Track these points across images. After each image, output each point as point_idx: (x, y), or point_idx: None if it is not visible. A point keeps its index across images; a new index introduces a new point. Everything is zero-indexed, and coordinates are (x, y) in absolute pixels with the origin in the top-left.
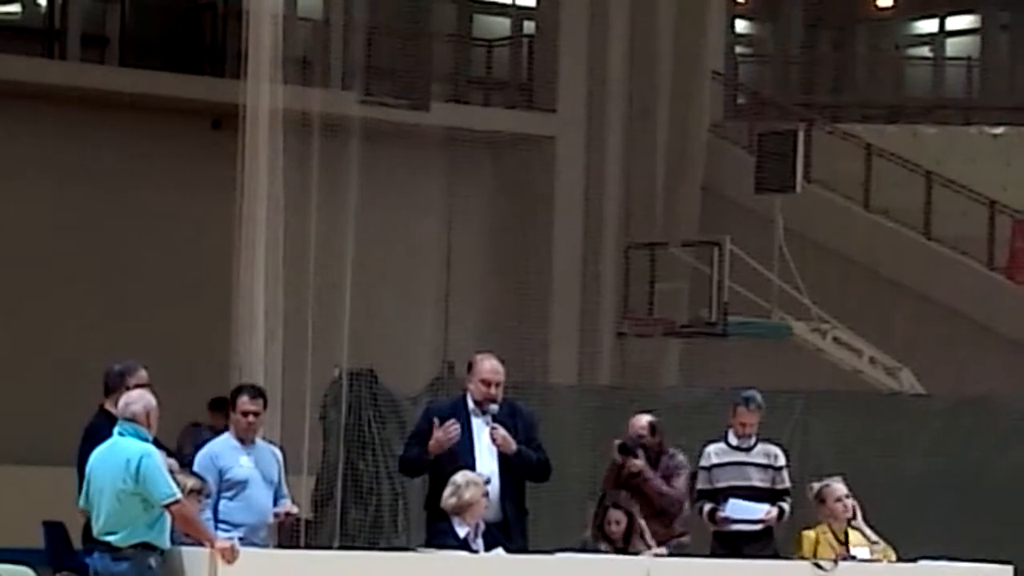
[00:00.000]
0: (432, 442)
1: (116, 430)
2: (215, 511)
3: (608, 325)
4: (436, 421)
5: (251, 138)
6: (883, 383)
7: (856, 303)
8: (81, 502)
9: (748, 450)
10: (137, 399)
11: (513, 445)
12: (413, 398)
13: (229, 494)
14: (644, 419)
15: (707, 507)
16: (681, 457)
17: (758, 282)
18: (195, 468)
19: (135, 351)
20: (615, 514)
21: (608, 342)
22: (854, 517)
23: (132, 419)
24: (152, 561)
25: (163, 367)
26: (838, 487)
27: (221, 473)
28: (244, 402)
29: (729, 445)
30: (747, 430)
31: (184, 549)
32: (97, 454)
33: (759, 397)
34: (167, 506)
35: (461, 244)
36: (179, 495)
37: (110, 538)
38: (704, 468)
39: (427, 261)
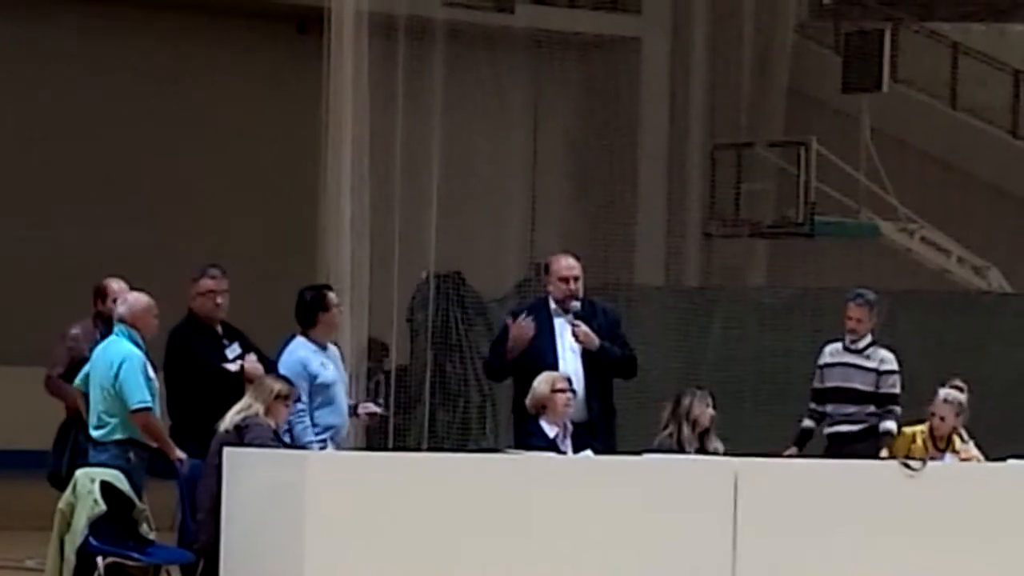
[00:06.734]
0: (509, 340)
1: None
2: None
3: (694, 226)
4: (510, 318)
5: (336, 41)
6: (971, 282)
7: (942, 202)
8: (79, 382)
9: (859, 352)
10: (121, 303)
11: (596, 341)
12: (500, 300)
13: (319, 399)
14: None
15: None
16: None
17: (845, 182)
18: (286, 374)
19: (221, 255)
20: (699, 407)
21: (694, 243)
22: (954, 430)
23: (120, 321)
24: (132, 455)
25: (249, 270)
26: (950, 391)
27: (313, 378)
28: (334, 299)
29: (844, 345)
30: (855, 326)
31: (279, 453)
32: (96, 349)
33: (870, 294)
34: (134, 412)
35: (547, 146)
36: (150, 405)
37: (94, 433)
38: (819, 367)
39: (513, 163)
